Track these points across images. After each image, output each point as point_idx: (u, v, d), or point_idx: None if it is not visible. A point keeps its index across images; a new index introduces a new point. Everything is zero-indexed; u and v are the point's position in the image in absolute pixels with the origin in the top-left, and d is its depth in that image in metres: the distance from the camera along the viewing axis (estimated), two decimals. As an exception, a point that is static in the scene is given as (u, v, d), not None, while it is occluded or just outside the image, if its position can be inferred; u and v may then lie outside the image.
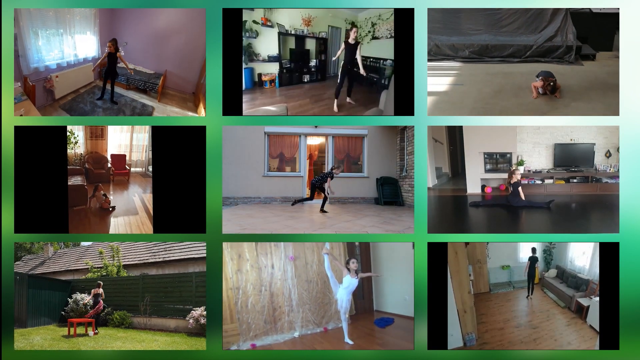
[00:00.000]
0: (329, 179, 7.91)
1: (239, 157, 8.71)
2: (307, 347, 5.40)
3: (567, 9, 6.12)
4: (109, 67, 5.74)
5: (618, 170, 5.20)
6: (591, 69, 6.51)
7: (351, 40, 5.95)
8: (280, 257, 5.83)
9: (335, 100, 5.74)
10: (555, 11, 6.28)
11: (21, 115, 4.84)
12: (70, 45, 5.93)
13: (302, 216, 7.54)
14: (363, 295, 6.60)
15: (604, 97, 5.34)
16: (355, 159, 9.54)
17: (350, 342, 5.26)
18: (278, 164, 9.17)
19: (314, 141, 9.52)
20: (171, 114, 5.08)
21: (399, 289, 6.20)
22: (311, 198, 8.10)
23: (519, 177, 6.67)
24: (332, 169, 8.11)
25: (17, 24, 4.88)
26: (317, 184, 7.99)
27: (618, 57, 6.05)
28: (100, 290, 6.10)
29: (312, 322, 5.97)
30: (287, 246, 5.83)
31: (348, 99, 5.83)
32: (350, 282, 5.45)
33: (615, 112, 4.79)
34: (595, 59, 6.71)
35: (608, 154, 6.96)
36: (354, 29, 5.84)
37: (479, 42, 6.75)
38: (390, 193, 9.35)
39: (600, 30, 6.63)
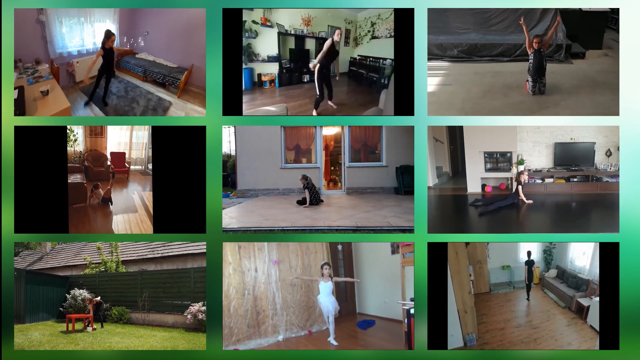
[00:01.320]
0: (306, 190, 7.92)
1: (258, 151, 8.73)
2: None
3: (556, 7, 6.11)
4: (104, 64, 5.66)
5: (618, 169, 5.19)
6: (581, 67, 6.52)
7: (337, 37, 5.87)
8: (264, 261, 5.84)
9: (315, 111, 5.65)
10: (545, 10, 6.24)
11: (47, 90, 5.17)
12: (90, 34, 6.01)
13: (320, 208, 7.52)
14: (346, 298, 6.63)
15: (593, 94, 5.40)
16: (372, 147, 9.33)
17: (335, 343, 5.29)
18: (294, 155, 9.12)
19: (330, 131, 9.37)
20: (191, 112, 4.98)
21: (380, 293, 6.24)
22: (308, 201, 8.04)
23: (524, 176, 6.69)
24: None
25: (45, 12, 5.18)
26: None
27: (607, 55, 6.14)
28: (98, 298, 6.13)
29: (296, 325, 5.99)
30: (272, 250, 5.83)
31: (330, 103, 5.77)
32: (325, 286, 5.52)
33: (605, 110, 4.80)
34: (585, 57, 6.70)
35: (608, 153, 6.95)
36: (337, 31, 5.77)
37: (468, 41, 6.69)
38: (411, 182, 9.20)
39: (589, 29, 6.66)
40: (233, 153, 8.50)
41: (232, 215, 6.74)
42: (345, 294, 6.60)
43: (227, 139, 8.31)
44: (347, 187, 8.94)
